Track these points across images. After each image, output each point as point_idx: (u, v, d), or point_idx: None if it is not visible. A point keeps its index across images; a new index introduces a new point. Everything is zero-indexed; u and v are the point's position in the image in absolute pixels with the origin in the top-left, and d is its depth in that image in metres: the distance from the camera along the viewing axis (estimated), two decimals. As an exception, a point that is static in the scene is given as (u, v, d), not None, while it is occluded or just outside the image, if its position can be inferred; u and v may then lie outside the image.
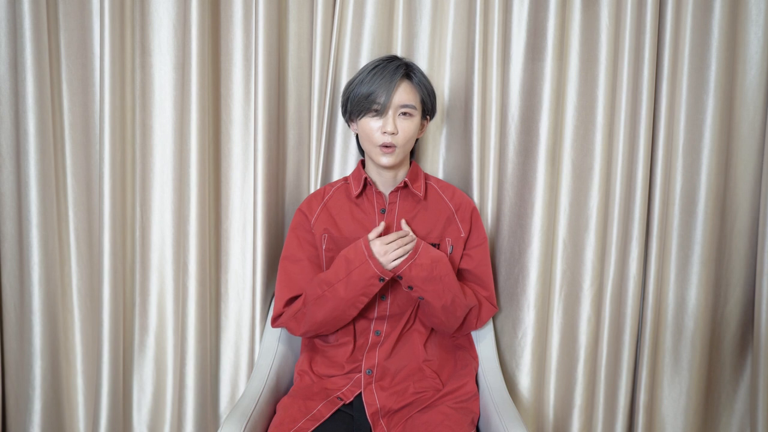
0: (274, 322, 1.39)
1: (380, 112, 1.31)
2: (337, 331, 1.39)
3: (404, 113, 1.33)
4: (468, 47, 1.57)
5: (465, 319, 1.38)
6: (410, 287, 1.29)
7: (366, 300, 1.31)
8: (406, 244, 1.27)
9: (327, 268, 1.39)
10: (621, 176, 1.60)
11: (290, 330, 1.39)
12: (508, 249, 1.60)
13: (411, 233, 1.30)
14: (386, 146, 1.32)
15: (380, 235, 1.32)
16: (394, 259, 1.26)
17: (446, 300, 1.30)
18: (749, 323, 1.74)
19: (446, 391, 1.35)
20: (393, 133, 1.31)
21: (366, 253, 1.27)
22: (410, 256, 1.27)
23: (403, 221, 1.32)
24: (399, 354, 1.38)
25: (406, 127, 1.33)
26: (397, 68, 1.32)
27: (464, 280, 1.42)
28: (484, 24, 1.52)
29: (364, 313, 1.37)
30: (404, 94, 1.32)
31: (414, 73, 1.36)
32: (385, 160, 1.34)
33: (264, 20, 1.48)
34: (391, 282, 1.36)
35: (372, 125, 1.33)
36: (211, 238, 1.59)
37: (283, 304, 1.37)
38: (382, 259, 1.26)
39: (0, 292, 1.62)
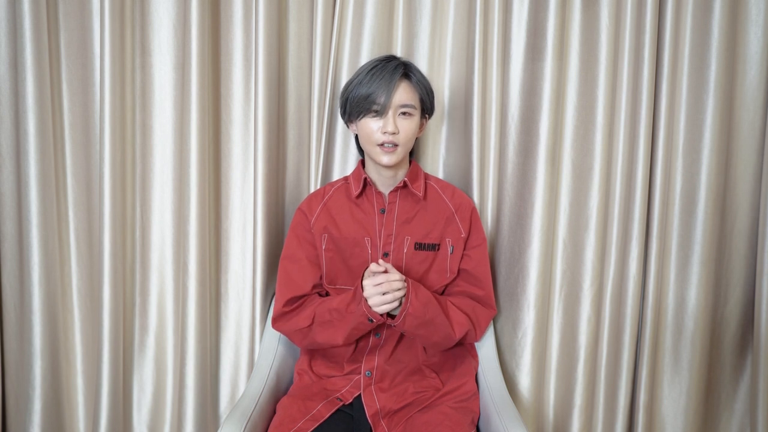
0: (275, 323, 1.39)
1: (380, 113, 1.31)
2: None
3: (404, 113, 1.33)
4: (468, 47, 1.57)
5: (459, 342, 1.39)
6: (403, 332, 1.30)
7: (358, 334, 1.31)
8: (396, 290, 1.21)
9: (326, 268, 1.39)
10: (621, 176, 1.60)
11: (292, 341, 1.39)
12: (508, 249, 1.60)
13: (399, 275, 1.23)
14: (387, 146, 1.32)
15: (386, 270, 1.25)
16: (381, 304, 1.20)
17: (438, 338, 1.31)
18: (749, 323, 1.74)
19: (446, 390, 1.35)
20: (394, 133, 1.31)
21: (362, 291, 1.24)
22: (403, 307, 1.23)
23: (380, 260, 1.24)
24: (399, 356, 1.38)
25: (407, 127, 1.33)
26: (396, 68, 1.32)
27: (463, 281, 1.42)
28: (484, 24, 1.52)
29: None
30: (404, 93, 1.32)
31: (412, 73, 1.35)
32: (386, 159, 1.33)
33: (264, 20, 1.48)
34: None
35: (372, 126, 1.32)
36: (211, 238, 1.59)
37: (283, 304, 1.37)
38: (370, 301, 1.21)
39: (0, 292, 1.62)
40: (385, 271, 1.23)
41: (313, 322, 1.32)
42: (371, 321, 1.24)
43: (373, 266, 1.23)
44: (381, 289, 1.20)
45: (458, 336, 1.33)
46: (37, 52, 1.48)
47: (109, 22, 1.46)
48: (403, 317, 1.23)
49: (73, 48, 1.56)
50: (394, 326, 1.26)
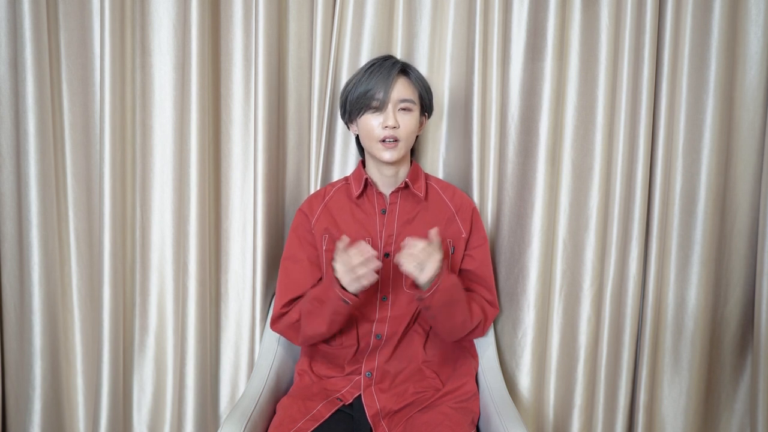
0: (273, 324, 1.39)
1: (380, 108, 1.32)
2: (342, 334, 1.38)
3: (404, 108, 1.33)
4: (468, 47, 1.57)
5: (471, 332, 1.38)
6: (427, 308, 1.25)
7: (340, 320, 1.28)
8: (432, 259, 1.18)
9: (327, 268, 1.39)
10: (621, 176, 1.60)
11: (289, 339, 1.39)
12: (508, 249, 1.60)
13: (435, 244, 1.19)
14: (388, 141, 1.32)
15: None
16: (355, 280, 1.17)
17: (456, 321, 1.30)
18: (749, 323, 1.74)
19: (446, 390, 1.35)
20: (394, 127, 1.31)
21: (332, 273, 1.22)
22: (435, 281, 1.19)
23: (434, 230, 1.21)
24: (399, 356, 1.38)
25: (407, 121, 1.33)
26: (393, 65, 1.33)
27: (468, 281, 1.42)
28: (484, 24, 1.52)
29: (366, 315, 1.37)
30: (402, 88, 1.33)
31: (410, 70, 1.37)
32: (388, 155, 1.33)
33: (264, 20, 1.48)
34: (393, 284, 1.36)
35: (372, 122, 1.33)
36: (211, 238, 1.59)
37: (282, 305, 1.37)
38: (343, 280, 1.18)
39: (0, 292, 1.62)
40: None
41: (300, 315, 1.32)
42: (347, 303, 1.22)
43: (338, 244, 1.21)
44: (351, 264, 1.17)
45: (473, 324, 1.33)
46: (37, 52, 1.48)
47: (109, 22, 1.46)
48: (434, 290, 1.20)
49: (73, 48, 1.56)
50: (422, 299, 1.22)
